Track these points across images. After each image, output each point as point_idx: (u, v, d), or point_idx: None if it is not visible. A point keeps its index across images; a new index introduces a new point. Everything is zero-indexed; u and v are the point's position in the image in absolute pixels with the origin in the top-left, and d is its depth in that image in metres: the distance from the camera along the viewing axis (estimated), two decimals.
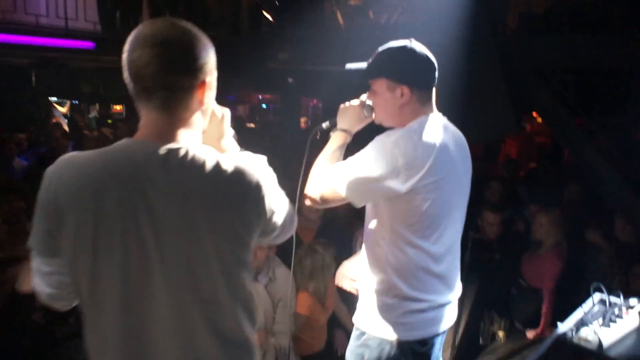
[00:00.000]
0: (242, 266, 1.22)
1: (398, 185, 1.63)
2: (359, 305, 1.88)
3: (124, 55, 1.16)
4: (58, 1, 8.70)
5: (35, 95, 10.35)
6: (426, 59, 1.75)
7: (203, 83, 1.20)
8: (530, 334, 3.57)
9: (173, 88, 1.17)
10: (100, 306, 1.15)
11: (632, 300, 1.74)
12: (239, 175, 1.19)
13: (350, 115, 1.92)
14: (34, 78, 10.56)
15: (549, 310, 3.50)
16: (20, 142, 5.72)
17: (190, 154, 1.17)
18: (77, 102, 11.06)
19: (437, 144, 1.68)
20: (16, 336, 2.52)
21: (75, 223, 1.12)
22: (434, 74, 1.77)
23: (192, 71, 1.18)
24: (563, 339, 1.47)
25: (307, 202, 1.83)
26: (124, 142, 1.19)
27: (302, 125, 11.43)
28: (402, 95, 1.74)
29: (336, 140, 1.90)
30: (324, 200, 1.77)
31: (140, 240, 1.12)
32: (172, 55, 1.15)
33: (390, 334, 1.75)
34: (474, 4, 4.24)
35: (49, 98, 10.41)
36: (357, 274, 1.96)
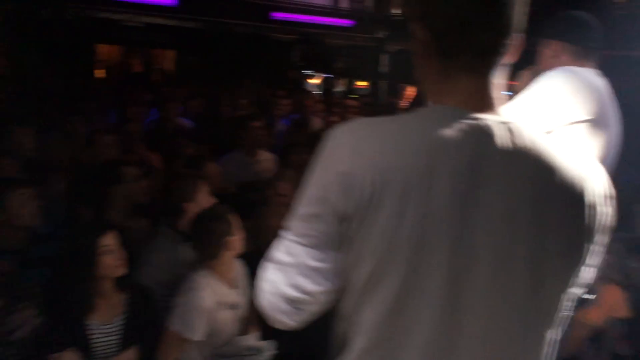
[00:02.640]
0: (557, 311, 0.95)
1: None
2: None
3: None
4: None
5: (293, 67, 11.57)
6: None
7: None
8: None
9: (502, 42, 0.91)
10: (405, 311, 0.90)
11: None
12: (594, 189, 0.92)
13: None
14: (294, 52, 11.81)
15: None
16: (284, 106, 6.37)
17: (531, 137, 0.91)
18: (328, 76, 12.02)
19: None
20: None
21: (392, 208, 0.86)
22: None
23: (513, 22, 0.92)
24: None
25: None
26: (438, 109, 0.94)
27: None
28: None
29: None
30: None
31: (467, 240, 0.87)
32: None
33: None
34: None
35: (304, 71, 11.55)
36: None
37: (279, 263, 0.96)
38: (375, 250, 0.88)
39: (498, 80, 0.96)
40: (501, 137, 0.89)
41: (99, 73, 10.22)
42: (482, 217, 0.87)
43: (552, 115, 1.84)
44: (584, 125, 1.85)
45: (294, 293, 0.94)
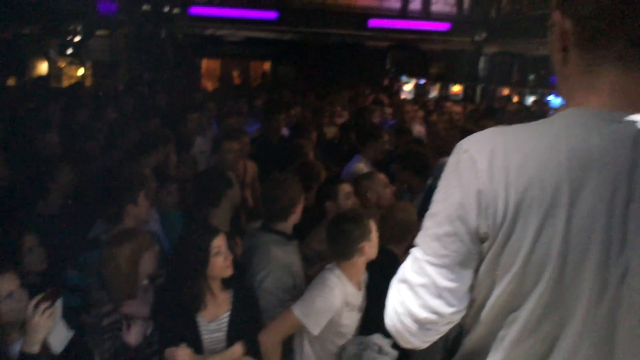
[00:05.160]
0: None
1: None
2: None
3: None
4: None
5: (387, 74, 11.56)
6: None
7: None
8: None
9: None
10: (548, 330, 0.84)
11: None
12: None
13: None
14: (389, 59, 11.79)
15: None
16: (384, 113, 6.36)
17: None
18: (422, 81, 11.86)
19: None
20: None
21: (534, 227, 0.81)
22: None
23: None
24: None
25: None
26: (581, 113, 0.84)
27: None
28: None
29: None
30: None
31: (616, 258, 0.80)
32: None
33: None
34: None
35: (400, 77, 11.48)
36: None
37: (411, 283, 0.91)
38: (516, 271, 0.82)
39: None
40: None
41: (206, 85, 10.89)
42: (633, 229, 0.79)
43: None
44: None
45: (425, 314, 0.90)
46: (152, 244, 2.22)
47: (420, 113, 6.68)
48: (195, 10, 9.28)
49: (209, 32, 10.34)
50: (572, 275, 0.81)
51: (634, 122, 0.80)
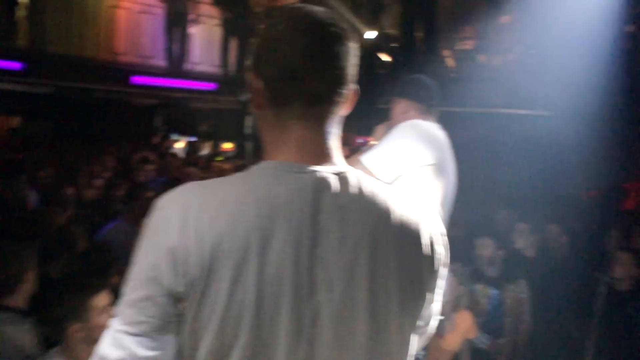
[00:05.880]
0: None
1: None
2: None
3: (260, 47, 0.91)
4: (187, 47, 9.63)
5: (157, 131, 11.34)
6: None
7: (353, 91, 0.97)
8: None
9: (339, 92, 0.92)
10: None
11: None
12: (429, 230, 0.95)
13: None
14: (158, 117, 11.61)
15: None
16: (150, 170, 6.22)
17: (366, 186, 0.92)
18: (193, 139, 11.97)
19: None
20: None
21: (229, 279, 0.81)
22: None
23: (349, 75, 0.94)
24: None
25: None
26: (270, 165, 0.91)
27: None
28: None
29: None
30: None
31: (308, 299, 0.85)
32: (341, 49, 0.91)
33: None
34: (605, 42, 4.13)
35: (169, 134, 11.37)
36: None
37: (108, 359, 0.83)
38: (215, 326, 0.81)
39: (335, 130, 0.95)
40: (336, 189, 0.88)
41: None
42: (323, 273, 0.85)
43: (403, 160, 2.11)
44: (428, 168, 2.12)
45: None
46: None
47: (194, 170, 6.73)
48: None
49: None
50: (269, 323, 0.83)
51: (314, 172, 0.89)
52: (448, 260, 0.99)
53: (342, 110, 0.96)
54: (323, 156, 0.92)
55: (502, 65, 6.42)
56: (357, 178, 0.92)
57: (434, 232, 0.96)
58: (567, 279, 3.91)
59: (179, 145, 11.54)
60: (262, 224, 0.83)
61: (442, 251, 0.97)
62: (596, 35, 4.16)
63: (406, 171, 2.13)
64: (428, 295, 0.95)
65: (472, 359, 3.56)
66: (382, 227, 0.90)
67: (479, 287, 3.75)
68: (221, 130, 12.03)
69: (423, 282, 0.94)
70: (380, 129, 2.44)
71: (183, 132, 11.49)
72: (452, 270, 2.51)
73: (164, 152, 9.39)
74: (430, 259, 0.94)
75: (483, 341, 3.61)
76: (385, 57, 7.86)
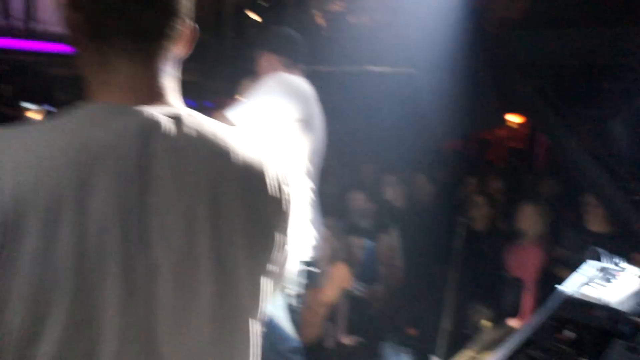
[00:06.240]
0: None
1: None
2: None
3: None
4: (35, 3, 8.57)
5: (6, 101, 10.12)
6: None
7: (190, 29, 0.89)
8: (513, 323, 3.64)
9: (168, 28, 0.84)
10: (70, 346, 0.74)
11: (625, 265, 1.81)
12: (275, 170, 0.91)
13: None
14: (6, 85, 10.34)
15: (532, 300, 3.58)
16: None
17: (204, 127, 0.85)
18: (51, 109, 10.86)
19: None
20: None
21: (39, 236, 0.71)
22: None
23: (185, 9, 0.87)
24: (569, 295, 1.52)
25: None
26: (90, 108, 0.81)
27: None
28: None
29: None
30: None
31: (143, 252, 0.77)
32: None
33: None
34: (458, 6, 4.41)
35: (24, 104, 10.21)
36: None
37: None
38: (25, 292, 0.70)
39: (170, 69, 0.87)
40: (169, 131, 0.81)
41: None
42: (157, 222, 0.78)
43: (269, 116, 2.05)
44: (295, 123, 2.09)
45: None
46: None
47: None
48: None
49: None
50: (94, 285, 0.73)
51: (142, 113, 0.81)
52: (302, 201, 0.96)
53: (178, 48, 0.87)
54: (154, 97, 0.83)
55: (370, 25, 6.60)
56: (194, 119, 0.85)
57: (280, 173, 0.92)
58: (432, 224, 4.21)
59: (35, 115, 10.43)
60: (78, 173, 0.73)
61: (290, 191, 0.93)
62: None
63: (273, 127, 2.09)
64: (278, 238, 0.91)
65: (350, 307, 3.72)
66: (223, 170, 0.84)
67: (353, 239, 3.90)
68: (83, 98, 11.03)
69: (271, 224, 0.90)
70: (246, 83, 2.37)
71: (38, 101, 10.37)
72: (327, 225, 2.57)
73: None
74: (278, 200, 0.90)
75: (359, 289, 3.79)
76: (254, 16, 7.67)
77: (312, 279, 2.34)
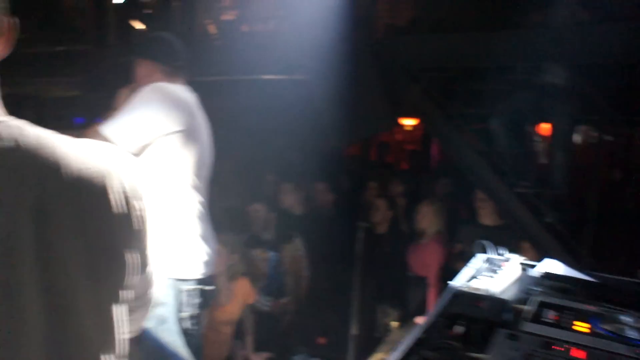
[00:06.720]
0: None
1: None
2: None
3: None
4: None
5: None
6: None
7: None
8: (420, 321, 3.74)
9: None
10: None
11: (509, 255, 1.91)
12: (120, 184, 0.80)
13: None
14: None
15: (436, 296, 3.69)
16: None
17: (28, 138, 0.74)
18: None
19: None
20: None
21: None
22: None
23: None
24: (458, 290, 1.55)
25: None
26: None
27: None
28: None
29: None
30: None
31: None
32: None
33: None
34: (347, 14, 4.51)
35: None
36: None
37: None
38: None
39: None
40: None
41: None
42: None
43: (147, 128, 1.90)
44: (176, 135, 1.95)
45: None
46: None
47: None
48: None
49: None
50: None
51: None
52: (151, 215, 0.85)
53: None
54: None
55: (263, 33, 6.57)
56: (15, 129, 0.73)
57: (129, 186, 0.81)
58: (334, 230, 4.22)
59: None
60: None
61: (142, 206, 0.83)
62: (337, 3, 4.52)
63: (152, 140, 1.95)
64: (130, 258, 0.81)
65: (257, 322, 3.60)
66: (52, 186, 0.73)
67: (256, 252, 3.79)
68: None
69: (118, 243, 0.80)
70: (122, 93, 2.18)
71: None
72: (222, 241, 2.44)
73: None
74: (126, 216, 0.80)
75: (265, 303, 3.68)
76: (138, 25, 7.31)
77: (208, 298, 2.21)
